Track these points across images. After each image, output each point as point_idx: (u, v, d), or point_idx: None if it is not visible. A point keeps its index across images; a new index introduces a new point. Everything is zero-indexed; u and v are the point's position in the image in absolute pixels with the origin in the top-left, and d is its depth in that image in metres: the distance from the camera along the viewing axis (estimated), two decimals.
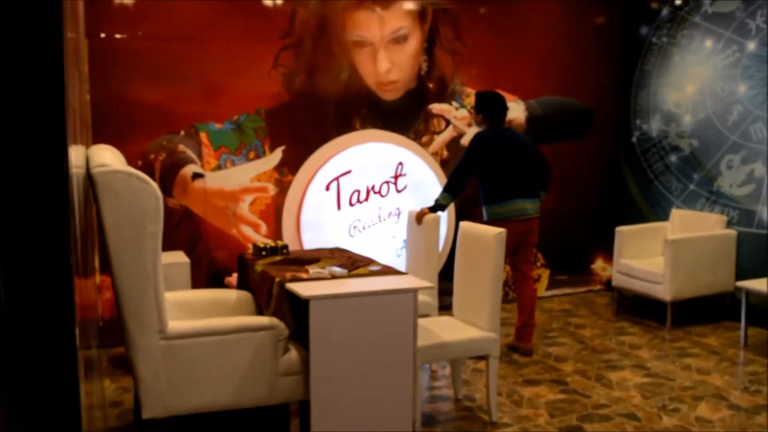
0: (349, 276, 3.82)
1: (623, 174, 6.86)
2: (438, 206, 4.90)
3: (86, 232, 2.93)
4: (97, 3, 5.12)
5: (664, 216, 6.37)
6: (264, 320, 3.57)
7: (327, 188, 5.80)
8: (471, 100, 6.29)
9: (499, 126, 5.05)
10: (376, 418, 3.56)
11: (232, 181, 5.60)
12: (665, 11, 6.37)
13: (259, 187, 5.68)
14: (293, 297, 3.51)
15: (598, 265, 6.92)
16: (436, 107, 6.20)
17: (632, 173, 6.78)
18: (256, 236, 5.67)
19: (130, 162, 5.25)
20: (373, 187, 5.95)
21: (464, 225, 4.28)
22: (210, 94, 5.49)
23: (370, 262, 4.17)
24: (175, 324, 3.41)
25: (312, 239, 5.77)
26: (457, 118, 6.26)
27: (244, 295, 4.22)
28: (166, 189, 5.42)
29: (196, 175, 5.48)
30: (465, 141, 6.16)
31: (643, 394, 4.40)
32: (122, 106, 5.27)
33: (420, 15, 6.07)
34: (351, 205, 5.88)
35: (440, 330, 4.02)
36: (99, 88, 5.17)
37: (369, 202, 5.93)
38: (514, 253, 5.05)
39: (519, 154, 5.00)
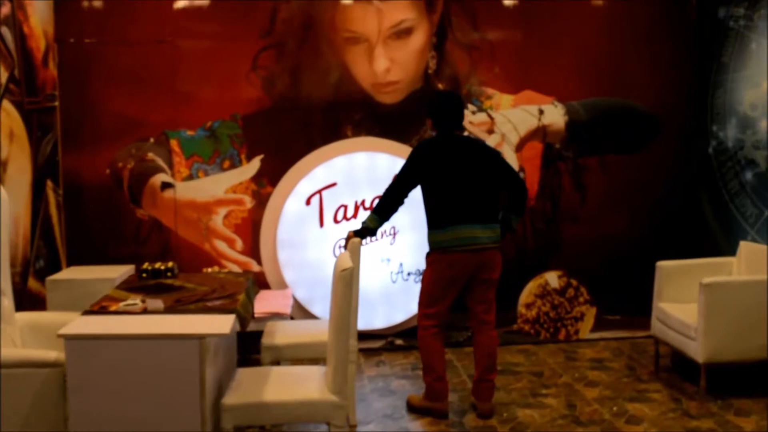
0: (170, 311, 3.28)
1: (698, 194, 5.44)
2: (365, 230, 4.13)
3: None
4: (66, 8, 5.01)
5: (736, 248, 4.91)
6: (50, 355, 3.18)
7: (308, 202, 5.21)
8: (492, 103, 5.37)
9: (451, 133, 4.12)
10: None
11: (204, 191, 5.22)
12: None
13: (234, 199, 5.25)
14: None
15: None
16: None
17: (707, 193, 5.35)
18: (231, 252, 5.25)
19: (99, 170, 5.17)
20: (363, 203, 5.24)
21: (339, 256, 3.50)
22: (182, 100, 5.16)
23: (230, 295, 3.57)
24: None
25: (291, 258, 5.22)
26: (474, 124, 5.33)
27: None
28: (135, 199, 5.18)
29: (165, 185, 5.18)
30: None
31: None
32: (91, 112, 5.11)
33: (427, 4, 5.25)
34: (336, 221, 5.24)
35: (282, 385, 3.29)
36: (68, 94, 5.07)
37: (358, 219, 5.24)
38: (466, 291, 4.12)
39: (473, 168, 4.04)
